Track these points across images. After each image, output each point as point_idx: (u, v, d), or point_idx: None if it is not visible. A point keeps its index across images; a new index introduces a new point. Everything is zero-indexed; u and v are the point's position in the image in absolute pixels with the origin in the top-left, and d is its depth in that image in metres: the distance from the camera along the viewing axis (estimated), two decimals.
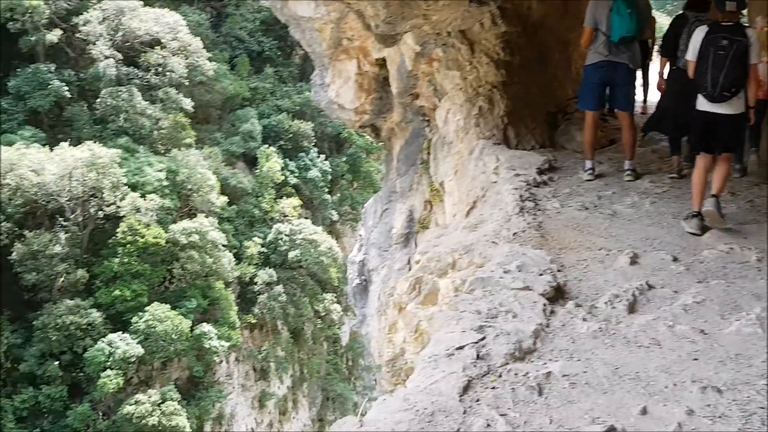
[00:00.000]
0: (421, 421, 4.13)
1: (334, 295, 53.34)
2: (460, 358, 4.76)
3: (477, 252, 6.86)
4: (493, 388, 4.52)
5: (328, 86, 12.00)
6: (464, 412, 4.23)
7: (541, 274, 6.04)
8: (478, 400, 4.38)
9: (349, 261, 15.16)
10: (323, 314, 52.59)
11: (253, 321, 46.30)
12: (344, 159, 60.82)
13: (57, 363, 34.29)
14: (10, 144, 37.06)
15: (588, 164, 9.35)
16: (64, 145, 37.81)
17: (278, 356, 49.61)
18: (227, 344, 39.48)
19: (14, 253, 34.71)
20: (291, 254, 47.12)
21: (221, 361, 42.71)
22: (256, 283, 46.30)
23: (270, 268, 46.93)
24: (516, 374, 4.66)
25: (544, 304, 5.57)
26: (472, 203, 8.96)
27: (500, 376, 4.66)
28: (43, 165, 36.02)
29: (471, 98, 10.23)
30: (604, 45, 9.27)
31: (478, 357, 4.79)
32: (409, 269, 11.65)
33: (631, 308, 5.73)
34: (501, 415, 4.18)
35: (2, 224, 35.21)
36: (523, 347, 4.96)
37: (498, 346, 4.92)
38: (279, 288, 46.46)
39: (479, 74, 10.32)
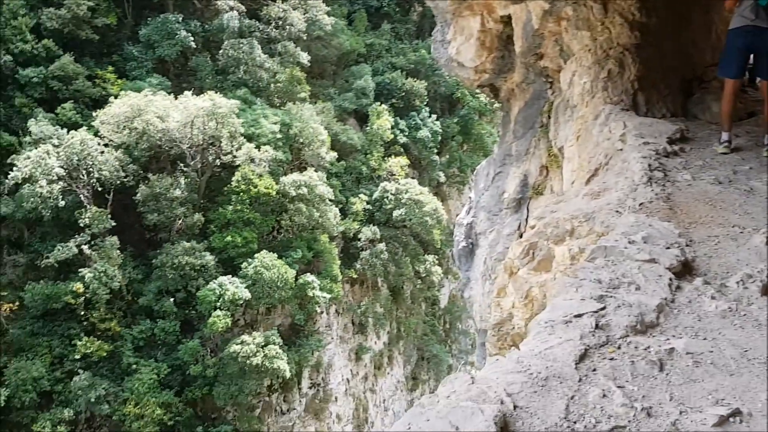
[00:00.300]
0: (534, 385, 4.04)
1: (436, 257, 53.46)
2: (578, 325, 4.61)
3: (599, 220, 6.58)
4: (611, 359, 4.36)
5: (449, 43, 11.74)
6: (579, 380, 4.11)
7: (668, 248, 5.72)
8: (594, 370, 4.24)
9: (456, 223, 15.00)
10: (423, 275, 52.87)
11: (355, 276, 47.21)
12: (456, 120, 60.13)
13: (172, 300, 36.36)
14: (138, 90, 38.94)
15: (725, 136, 8.68)
16: (188, 93, 39.39)
17: (377, 312, 50.50)
18: (329, 296, 40.43)
19: (139, 194, 36.76)
20: (395, 213, 47.49)
21: (322, 312, 43.91)
22: (359, 239, 47.07)
23: (374, 225, 47.52)
24: (636, 347, 4.48)
25: (670, 279, 5.28)
26: (594, 170, 8.59)
27: (619, 347, 4.48)
28: (168, 112, 37.64)
29: (600, 60, 9.72)
30: (751, 8, 8.50)
31: (596, 326, 4.62)
32: (520, 235, 11.40)
33: (766, 290, 5.35)
34: (618, 386, 4.04)
35: (129, 166, 37.24)
36: (645, 321, 4.74)
37: (618, 318, 4.73)
38: (381, 246, 47.02)
39: (611, 35, 9.77)
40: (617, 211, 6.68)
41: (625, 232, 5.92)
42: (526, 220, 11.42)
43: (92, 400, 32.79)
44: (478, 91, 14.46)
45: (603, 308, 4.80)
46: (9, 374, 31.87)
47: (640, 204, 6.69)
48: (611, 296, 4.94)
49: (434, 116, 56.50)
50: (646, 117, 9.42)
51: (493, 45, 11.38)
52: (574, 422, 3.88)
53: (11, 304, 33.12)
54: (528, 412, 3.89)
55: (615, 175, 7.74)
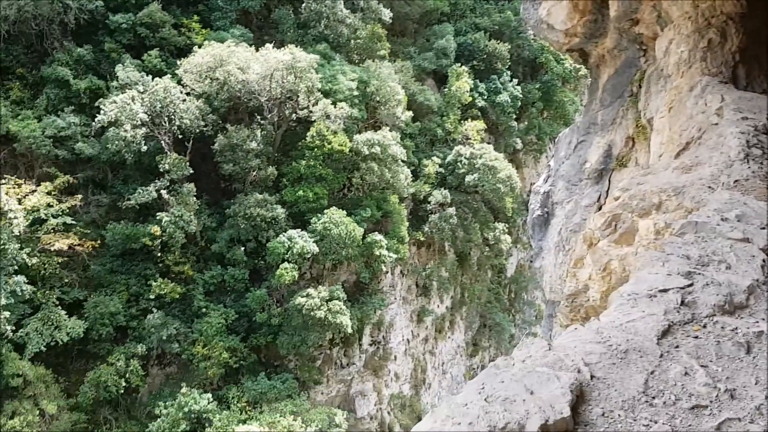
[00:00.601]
0: (613, 357, 3.96)
1: (506, 225, 52.84)
2: (663, 301, 4.45)
3: (689, 195, 6.31)
4: (696, 337, 4.22)
5: (540, 4, 11.35)
6: (661, 356, 4.00)
7: (762, 228, 5.43)
8: (677, 347, 4.11)
9: (532, 191, 14.72)
10: (492, 243, 52.40)
11: (422, 239, 47.18)
12: (537, 86, 58.60)
13: (243, 249, 37.25)
14: (221, 41, 39.46)
15: None
16: (269, 46, 39.60)
17: (441, 276, 50.51)
18: (395, 256, 40.56)
19: (216, 144, 37.51)
20: (468, 178, 47.00)
21: (387, 272, 44.23)
22: (429, 202, 46.89)
23: (445, 189, 47.19)
24: (723, 328, 4.31)
25: (764, 260, 5.02)
26: (685, 144, 8.20)
27: (704, 326, 4.32)
28: (248, 64, 38.01)
29: (700, 29, 9.21)
30: None
31: (682, 303, 4.46)
32: (599, 207, 11.08)
33: None
34: (701, 366, 3.91)
35: (208, 116, 38.02)
36: (734, 301, 4.54)
37: (706, 296, 4.55)
38: (451, 210, 46.72)
39: (714, 2, 9.22)
40: (709, 187, 6.39)
41: (717, 209, 5.66)
42: (607, 191, 11.09)
43: (164, 338, 34.24)
44: (565, 55, 14.00)
45: (690, 285, 4.63)
46: (89, 307, 33.58)
47: (735, 181, 6.37)
48: (700, 273, 4.75)
49: (515, 81, 55.16)
50: (745, 91, 8.92)
51: (587, 8, 10.92)
52: (653, 397, 3.79)
53: (93, 242, 34.64)
54: (605, 383, 3.83)
55: (708, 149, 7.38)
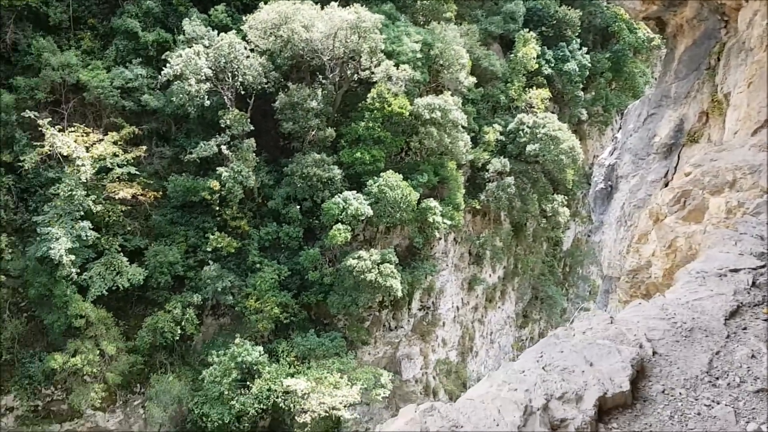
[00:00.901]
0: (677, 334, 3.84)
1: (565, 197, 51.93)
2: (733, 281, 4.28)
3: (765, 174, 6.02)
4: (765, 320, 4.05)
5: None
6: (727, 337, 3.85)
7: None
8: (744, 329, 3.95)
9: (597, 163, 14.33)
10: (549, 214, 51.62)
11: (478, 207, 46.78)
12: (607, 55, 56.79)
13: (298, 207, 37.67)
14: None
15: None
16: (334, 5, 39.35)
17: (495, 246, 50.14)
18: (449, 223, 40.36)
19: (277, 102, 37.72)
20: (529, 147, 46.18)
21: (440, 238, 44.15)
22: (487, 170, 46.35)
23: (505, 157, 46.51)
24: None
25: None
26: (764, 122, 7.81)
27: None
28: (313, 22, 37.90)
29: None
30: None
31: (753, 284, 4.27)
32: (665, 184, 10.71)
33: None
34: None
35: (271, 73, 38.20)
36: None
37: None
38: (510, 179, 46.09)
39: None
40: None
41: None
42: (676, 167, 10.69)
43: (219, 289, 35.14)
44: (639, 24, 13.46)
45: (763, 266, 4.43)
46: (149, 256, 34.68)
47: None
48: None
49: (584, 49, 53.51)
50: None
51: None
52: (716, 378, 3.67)
53: (155, 193, 35.59)
54: (667, 360, 3.72)
55: None
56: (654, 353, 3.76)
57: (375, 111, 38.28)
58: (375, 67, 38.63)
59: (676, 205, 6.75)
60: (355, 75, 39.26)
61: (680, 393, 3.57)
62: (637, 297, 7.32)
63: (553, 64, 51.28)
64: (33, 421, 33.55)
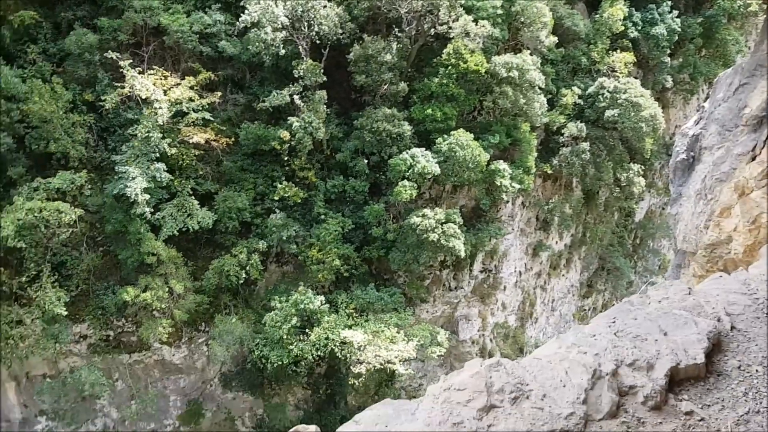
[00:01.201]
0: (758, 310, 3.54)
1: (642, 167, 50.02)
2: None
3: None
4: None
5: None
6: None
7: None
8: None
9: (680, 133, 13.57)
10: (624, 184, 49.93)
11: (549, 171, 45.61)
12: (699, 20, 53.51)
13: (366, 161, 37.64)
14: None
15: None
16: None
17: (564, 213, 49.05)
18: (518, 187, 39.59)
19: (351, 54, 37.40)
20: (608, 113, 44.42)
21: (507, 202, 43.46)
22: (562, 134, 44.99)
23: (581, 122, 44.96)
24: None
25: None
26: None
27: None
28: None
29: None
30: None
31: None
32: (753, 158, 10.04)
33: None
34: None
35: (347, 24, 37.82)
36: None
37: None
38: (585, 145, 44.62)
39: None
40: None
41: None
42: (765, 141, 9.99)
43: (283, 238, 35.71)
44: None
45: None
46: (219, 200, 35.49)
47: None
48: None
49: (675, 12, 50.47)
50: None
51: None
52: None
53: (228, 139, 36.17)
54: (746, 336, 3.43)
55: None
56: (732, 328, 3.49)
57: (450, 67, 37.50)
58: (453, 22, 37.74)
59: (763, 180, 6.28)
60: (432, 29, 38.46)
61: (757, 370, 3.31)
62: (713, 272, 6.90)
63: (640, 27, 48.80)
64: (104, 350, 35.37)
